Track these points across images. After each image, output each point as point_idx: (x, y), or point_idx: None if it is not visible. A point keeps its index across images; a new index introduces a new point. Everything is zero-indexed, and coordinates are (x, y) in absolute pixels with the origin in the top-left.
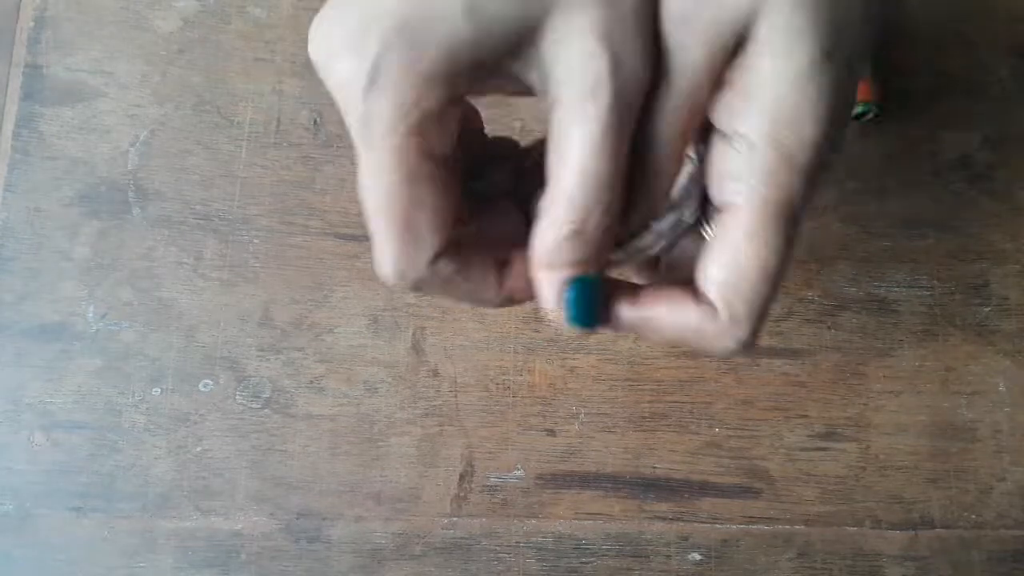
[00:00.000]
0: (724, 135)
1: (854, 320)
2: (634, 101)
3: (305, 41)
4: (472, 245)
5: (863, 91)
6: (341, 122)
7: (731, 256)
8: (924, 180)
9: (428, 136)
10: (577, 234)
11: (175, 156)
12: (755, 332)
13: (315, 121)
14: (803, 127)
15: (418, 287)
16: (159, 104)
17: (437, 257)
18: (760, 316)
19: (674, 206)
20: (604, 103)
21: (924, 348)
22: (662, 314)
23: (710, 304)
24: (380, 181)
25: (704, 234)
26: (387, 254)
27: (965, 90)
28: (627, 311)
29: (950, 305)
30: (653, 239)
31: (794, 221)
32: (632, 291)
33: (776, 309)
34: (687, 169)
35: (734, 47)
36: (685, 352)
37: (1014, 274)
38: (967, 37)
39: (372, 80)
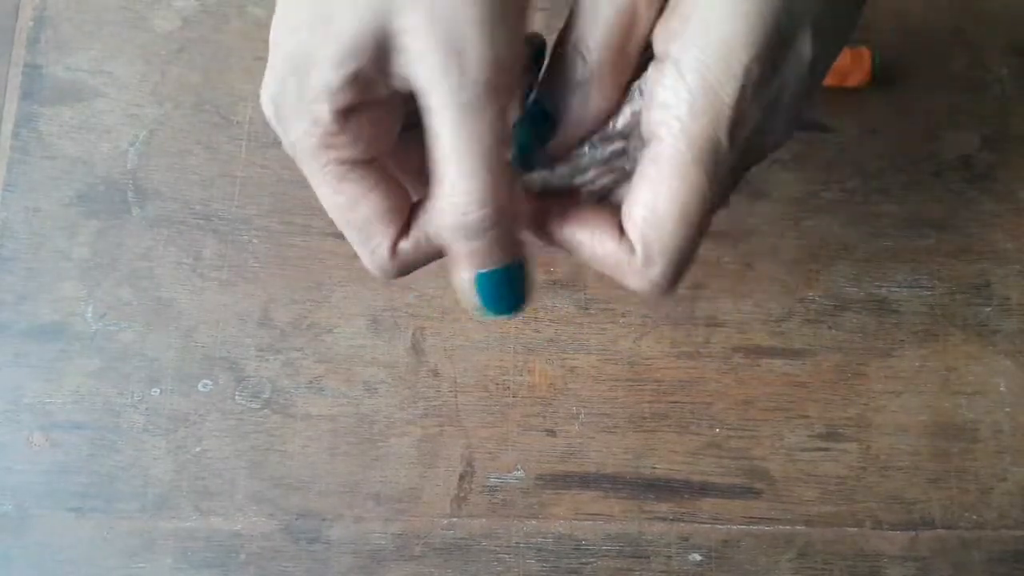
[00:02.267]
0: (656, 58)
1: (855, 320)
2: (487, 80)
3: None
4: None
5: (864, 69)
6: None
7: (650, 193)
8: (924, 180)
9: (343, 148)
10: (459, 230)
11: (174, 156)
12: (671, 275)
13: None
14: (733, 59)
15: (400, 274)
16: (158, 104)
17: (394, 246)
18: (677, 259)
19: (613, 136)
20: (446, 93)
21: (925, 348)
22: (586, 240)
23: (629, 241)
24: (322, 198)
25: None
26: (360, 256)
27: (965, 90)
28: (559, 230)
29: (951, 305)
30: (587, 161)
31: (717, 161)
32: (564, 211)
33: (777, 309)
34: (633, 103)
35: None
36: (686, 352)
37: (1015, 274)
38: (967, 37)
39: (276, 118)
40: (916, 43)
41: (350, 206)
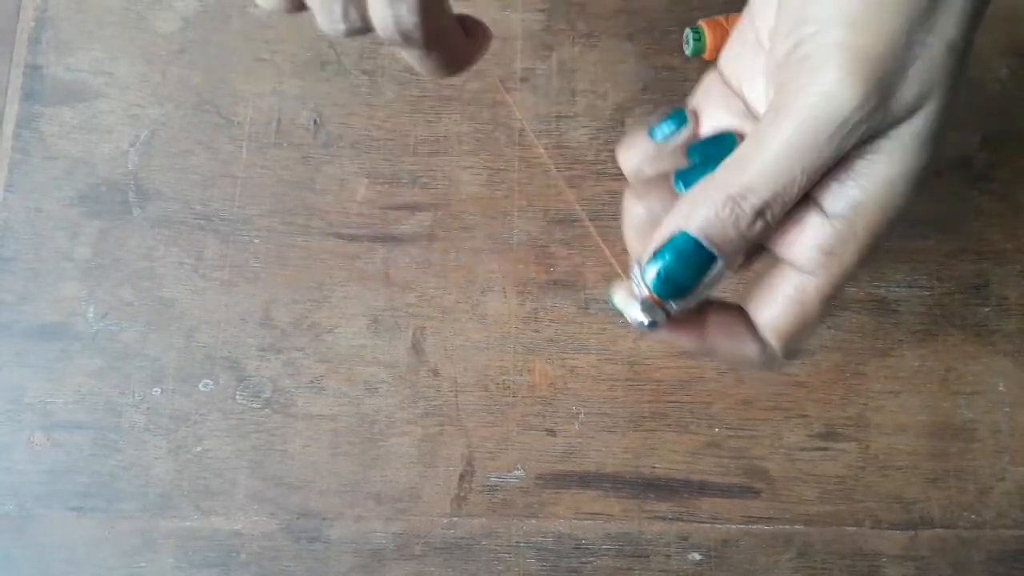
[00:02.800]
0: (819, 207)
1: (854, 320)
2: None
3: (305, 41)
4: None
5: None
6: (341, 122)
7: (796, 311)
8: (924, 180)
9: None
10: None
11: (175, 156)
12: (787, 356)
13: (315, 121)
14: (897, 214)
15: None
16: (159, 104)
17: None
18: (797, 347)
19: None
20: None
21: (924, 348)
22: (724, 346)
23: (765, 342)
24: None
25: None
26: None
27: (965, 90)
28: (690, 337)
29: (950, 305)
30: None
31: (846, 284)
32: (691, 318)
33: None
34: None
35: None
36: (685, 352)
37: (1014, 274)
38: None
39: None
40: None
41: None
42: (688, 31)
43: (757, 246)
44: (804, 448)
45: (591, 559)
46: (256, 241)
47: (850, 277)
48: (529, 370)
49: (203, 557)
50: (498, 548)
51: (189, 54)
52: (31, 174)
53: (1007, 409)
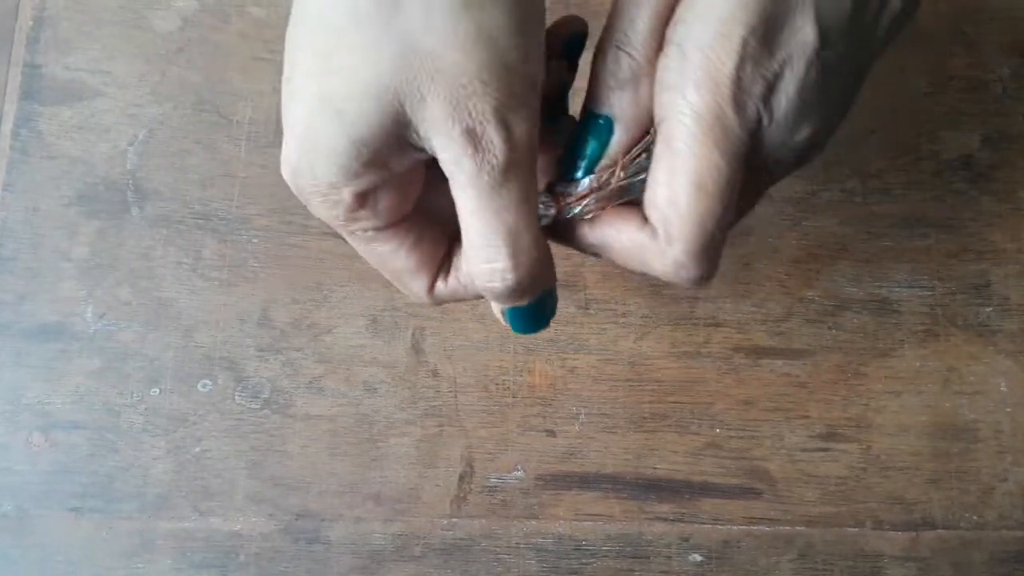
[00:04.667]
0: (667, 44)
1: (855, 320)
2: (504, 166)
3: None
4: None
5: None
6: None
7: (665, 172)
8: (924, 180)
9: (366, 220)
10: (487, 291)
11: (174, 156)
12: (695, 252)
13: None
14: (731, 34)
15: (441, 304)
16: (158, 103)
17: (432, 288)
18: (698, 234)
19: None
20: (466, 182)
21: (925, 348)
22: (612, 235)
23: (651, 226)
24: (361, 254)
25: None
26: (404, 293)
27: (965, 90)
28: (587, 234)
29: (951, 305)
30: (613, 166)
31: (726, 133)
32: (596, 218)
33: (777, 309)
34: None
35: None
36: (686, 352)
37: (1015, 274)
38: (967, 37)
39: (299, 193)
40: (916, 43)
41: (383, 262)
42: None
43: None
44: (805, 449)
45: (591, 560)
46: (255, 241)
47: (712, 125)
48: (529, 370)
49: (201, 558)
50: (498, 549)
51: (188, 53)
52: (29, 173)
53: (1009, 409)
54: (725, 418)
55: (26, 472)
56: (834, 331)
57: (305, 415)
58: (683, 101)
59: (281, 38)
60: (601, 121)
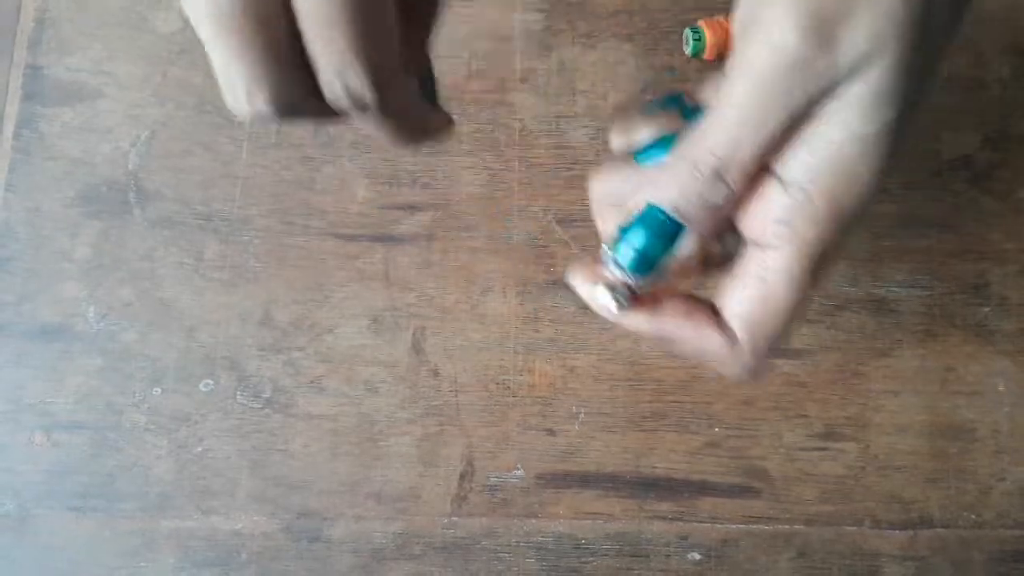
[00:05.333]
0: (780, 181)
1: (854, 320)
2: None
3: None
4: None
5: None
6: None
7: (760, 293)
8: (924, 180)
9: None
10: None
11: (176, 156)
12: (765, 359)
13: None
14: (859, 184)
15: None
16: (160, 104)
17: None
18: (775, 348)
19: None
20: None
21: (924, 348)
22: (684, 333)
23: (732, 334)
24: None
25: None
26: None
27: (965, 90)
28: (648, 321)
29: (950, 305)
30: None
31: (825, 268)
32: (653, 301)
33: None
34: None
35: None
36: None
37: (1014, 274)
38: (967, 37)
39: None
40: None
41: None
42: (688, 31)
43: (727, 223)
44: (804, 448)
45: (591, 559)
46: (256, 241)
47: (817, 258)
48: (529, 370)
49: (203, 557)
50: (498, 548)
51: (190, 54)
52: (31, 174)
53: (1007, 409)
54: (724, 417)
55: (28, 471)
56: (833, 331)
57: (306, 414)
58: (797, 238)
59: None
60: (668, 222)
